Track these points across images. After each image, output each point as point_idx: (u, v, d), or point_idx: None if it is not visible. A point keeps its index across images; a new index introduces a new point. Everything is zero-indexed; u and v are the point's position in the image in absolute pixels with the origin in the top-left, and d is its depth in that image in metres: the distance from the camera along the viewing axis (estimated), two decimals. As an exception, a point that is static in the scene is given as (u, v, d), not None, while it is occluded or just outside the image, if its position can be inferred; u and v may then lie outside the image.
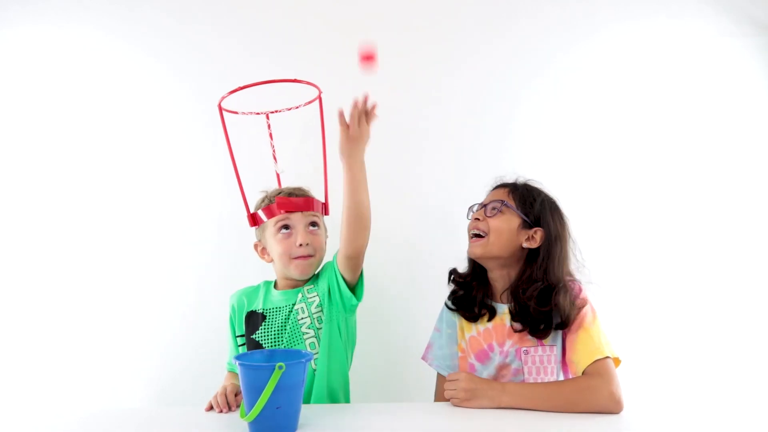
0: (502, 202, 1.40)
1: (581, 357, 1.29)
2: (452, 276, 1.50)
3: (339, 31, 1.85)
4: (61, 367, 1.82)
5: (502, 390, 1.26)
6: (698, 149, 1.88)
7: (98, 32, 1.84)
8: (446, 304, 1.50)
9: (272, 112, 1.55)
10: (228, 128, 1.47)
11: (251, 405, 1.12)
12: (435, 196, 1.86)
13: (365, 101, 1.28)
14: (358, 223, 1.33)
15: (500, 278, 1.43)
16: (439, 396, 1.52)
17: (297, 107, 1.48)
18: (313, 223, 1.47)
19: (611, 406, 1.22)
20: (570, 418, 1.20)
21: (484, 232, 1.40)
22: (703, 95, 1.87)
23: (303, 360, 1.17)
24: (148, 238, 1.84)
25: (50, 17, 1.83)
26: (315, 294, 1.46)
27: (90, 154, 1.84)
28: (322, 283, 1.47)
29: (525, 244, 1.38)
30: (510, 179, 1.48)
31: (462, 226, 1.68)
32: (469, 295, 1.45)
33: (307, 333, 1.44)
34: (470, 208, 1.48)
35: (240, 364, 1.15)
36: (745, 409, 1.32)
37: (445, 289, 1.68)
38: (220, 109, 1.44)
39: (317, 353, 1.43)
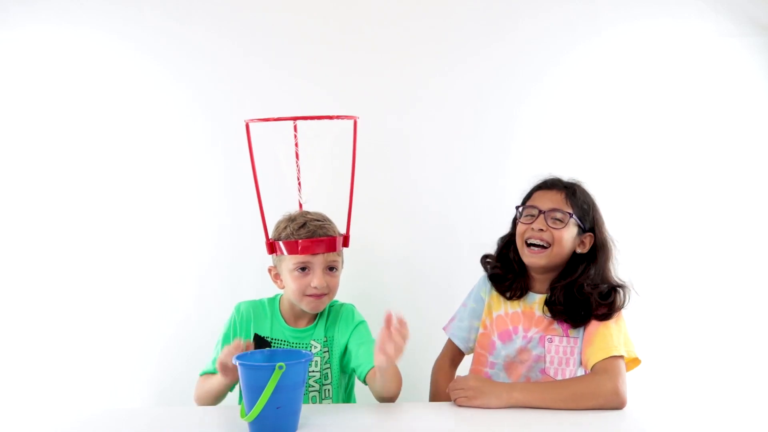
0: (570, 214, 1.37)
1: (594, 352, 1.30)
2: (487, 258, 1.49)
3: (340, 32, 1.85)
4: (62, 367, 1.82)
5: (510, 388, 1.27)
6: (699, 149, 1.87)
7: (98, 34, 1.84)
8: (485, 266, 1.49)
9: (300, 119, 1.45)
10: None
11: (251, 405, 1.12)
12: (433, 203, 1.86)
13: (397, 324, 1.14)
14: (392, 392, 1.31)
15: (543, 279, 1.42)
16: (444, 361, 1.52)
17: (329, 118, 1.41)
18: (332, 267, 1.42)
19: (614, 401, 1.22)
20: (573, 415, 1.20)
21: (547, 242, 1.37)
22: (703, 95, 1.87)
23: (303, 360, 1.16)
24: (148, 239, 1.84)
25: (51, 18, 1.83)
26: (327, 350, 1.45)
27: (90, 155, 1.84)
28: (340, 336, 1.45)
29: (578, 250, 1.39)
30: (550, 176, 1.45)
31: (460, 229, 1.69)
32: (506, 276, 1.45)
33: (313, 387, 1.43)
34: (518, 208, 1.44)
35: (240, 364, 1.15)
36: (748, 408, 1.32)
37: (446, 291, 1.69)
38: (248, 126, 1.39)
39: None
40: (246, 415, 1.13)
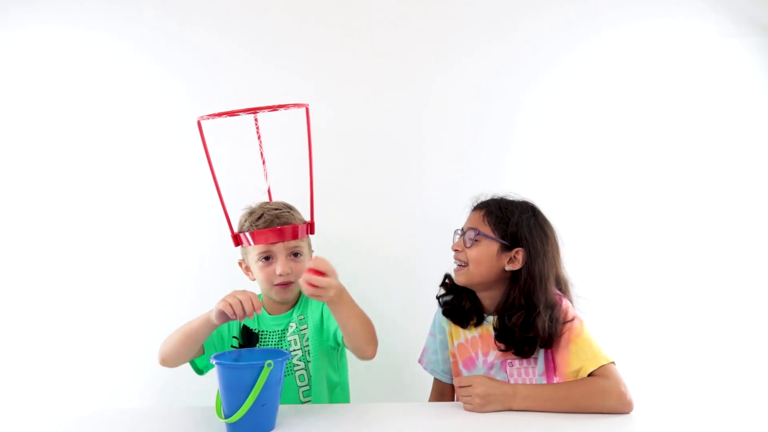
0: (477, 231, 1.38)
1: (580, 369, 1.28)
2: (446, 280, 1.50)
3: (339, 32, 1.85)
4: (61, 367, 1.81)
5: (513, 393, 1.26)
6: (699, 149, 1.87)
7: (98, 34, 1.84)
8: (438, 301, 1.50)
9: (257, 110, 1.39)
10: (209, 138, 1.39)
11: (232, 405, 1.12)
12: (433, 201, 1.86)
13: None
14: (363, 343, 1.29)
15: (487, 298, 1.43)
16: (434, 399, 1.53)
17: (283, 107, 1.35)
18: (296, 253, 1.45)
19: (621, 407, 1.22)
20: (579, 418, 1.20)
21: (464, 262, 1.39)
22: (703, 95, 1.87)
23: (281, 359, 1.17)
24: (147, 237, 1.84)
25: (51, 18, 1.83)
26: (305, 326, 1.47)
27: (90, 155, 1.84)
28: (313, 312, 1.47)
29: (508, 267, 1.37)
30: (486, 197, 1.45)
31: (460, 227, 1.68)
32: (460, 304, 1.44)
33: (297, 365, 1.46)
34: (455, 232, 1.46)
35: (226, 366, 1.16)
36: (749, 407, 1.32)
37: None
38: (200, 125, 1.37)
39: (308, 386, 1.45)
40: (229, 416, 1.13)
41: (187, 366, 1.80)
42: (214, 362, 1.17)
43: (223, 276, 1.81)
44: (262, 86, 1.84)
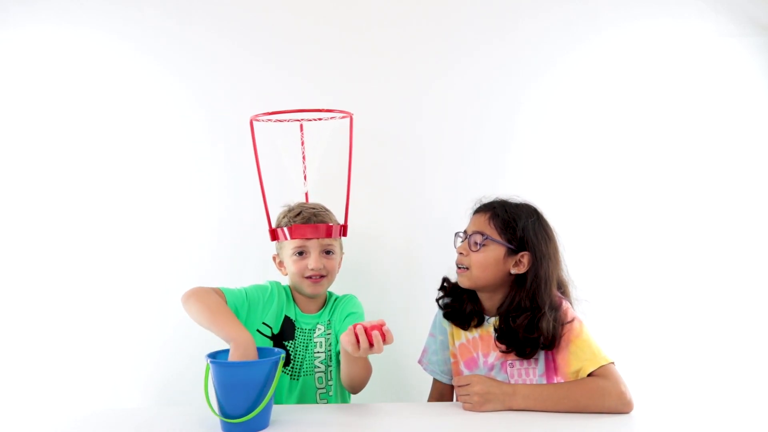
0: (484, 235, 1.37)
1: (580, 369, 1.28)
2: (444, 283, 1.50)
3: (339, 32, 1.85)
4: (61, 367, 1.81)
5: (513, 392, 1.26)
6: (699, 149, 1.87)
7: (98, 34, 1.84)
8: (438, 303, 1.50)
9: (306, 120, 1.54)
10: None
11: (233, 404, 1.12)
12: (433, 200, 1.86)
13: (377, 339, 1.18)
14: (357, 386, 1.38)
15: (488, 299, 1.43)
16: (434, 399, 1.53)
17: (330, 118, 1.51)
18: (328, 251, 1.49)
19: (621, 407, 1.22)
20: (579, 418, 1.20)
21: (466, 266, 1.39)
22: (703, 95, 1.87)
23: (276, 357, 1.18)
24: (147, 237, 1.84)
25: (51, 18, 1.83)
26: (330, 332, 1.50)
27: (90, 155, 1.84)
28: (336, 323, 1.50)
29: (513, 270, 1.37)
30: (489, 199, 1.44)
31: (459, 225, 1.69)
32: (461, 306, 1.44)
33: (318, 368, 1.48)
34: (456, 234, 1.45)
35: (224, 365, 1.16)
36: (749, 407, 1.32)
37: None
38: (252, 123, 1.45)
39: (324, 389, 1.48)
40: (234, 416, 1.13)
41: (187, 366, 1.80)
42: (209, 361, 1.17)
43: (224, 276, 1.82)
44: (262, 86, 1.84)
